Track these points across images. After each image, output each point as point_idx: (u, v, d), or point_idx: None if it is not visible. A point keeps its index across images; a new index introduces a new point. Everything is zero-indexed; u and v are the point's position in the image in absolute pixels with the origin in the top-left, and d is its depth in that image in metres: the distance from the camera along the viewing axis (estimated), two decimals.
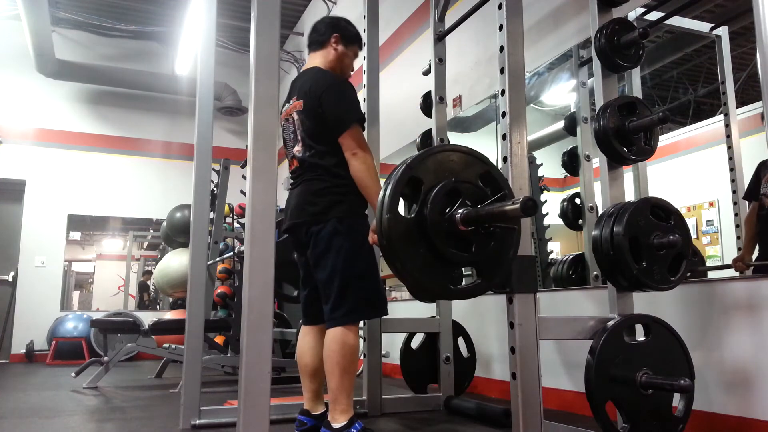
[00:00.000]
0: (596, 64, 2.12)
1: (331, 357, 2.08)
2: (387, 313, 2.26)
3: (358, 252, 2.14)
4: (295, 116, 2.28)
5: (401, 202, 1.62)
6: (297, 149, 2.27)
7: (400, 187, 1.56)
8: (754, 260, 2.75)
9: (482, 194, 1.62)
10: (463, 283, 1.81)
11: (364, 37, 3.08)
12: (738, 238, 2.97)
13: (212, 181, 4.12)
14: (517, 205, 1.40)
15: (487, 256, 1.61)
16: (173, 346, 4.14)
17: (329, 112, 2.16)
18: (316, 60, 2.37)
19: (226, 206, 5.29)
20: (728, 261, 3.18)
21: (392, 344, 3.46)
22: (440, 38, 3.09)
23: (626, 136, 1.99)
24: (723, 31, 3.16)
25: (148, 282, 9.11)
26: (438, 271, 1.58)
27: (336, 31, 2.35)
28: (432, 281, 1.58)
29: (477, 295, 1.66)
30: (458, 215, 1.55)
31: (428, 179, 1.59)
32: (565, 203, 3.21)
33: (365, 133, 3.00)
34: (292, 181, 2.34)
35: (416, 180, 1.58)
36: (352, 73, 2.46)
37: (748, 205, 2.86)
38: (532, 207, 1.39)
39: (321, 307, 2.20)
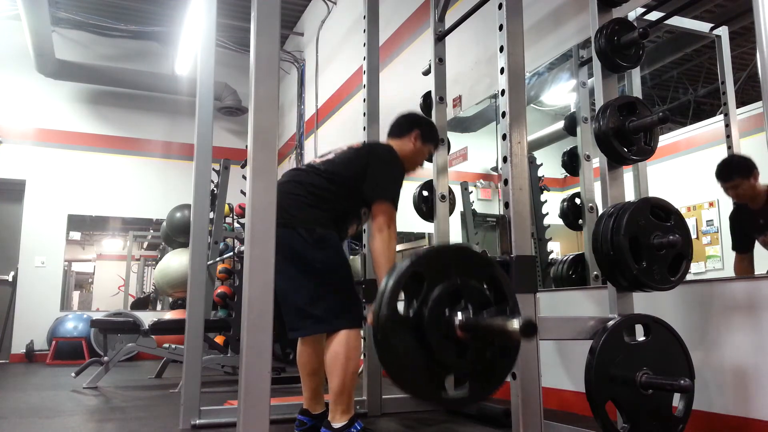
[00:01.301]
0: (596, 64, 2.12)
1: (334, 357, 2.08)
2: (360, 327, 2.23)
3: (329, 264, 2.12)
4: (345, 147, 2.36)
5: (404, 295, 1.55)
6: (316, 160, 2.34)
7: (401, 284, 1.50)
8: None
9: (485, 300, 1.56)
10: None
11: (364, 37, 3.09)
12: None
13: (212, 181, 4.12)
14: (517, 328, 1.35)
15: (482, 366, 1.54)
16: (173, 346, 4.14)
17: (377, 174, 2.21)
18: (392, 143, 2.42)
19: (226, 206, 5.29)
20: (728, 261, 3.18)
21: None
22: (440, 38, 3.09)
23: (626, 136, 1.98)
24: (723, 31, 3.15)
25: None
26: (431, 375, 1.51)
27: (418, 128, 2.42)
28: (424, 386, 1.51)
29: (469, 405, 1.62)
30: (457, 320, 1.49)
31: (431, 277, 1.52)
32: (565, 203, 3.21)
33: (364, 133, 3.03)
34: (285, 180, 2.31)
35: (419, 276, 1.53)
36: (420, 168, 2.55)
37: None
38: (532, 332, 1.34)
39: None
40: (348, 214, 2.28)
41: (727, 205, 3.18)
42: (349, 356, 2.08)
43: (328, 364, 2.10)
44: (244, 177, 1.65)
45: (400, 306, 1.50)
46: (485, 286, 1.60)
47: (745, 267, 2.73)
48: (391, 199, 2.19)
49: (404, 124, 2.45)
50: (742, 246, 2.77)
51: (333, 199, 2.21)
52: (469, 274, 1.57)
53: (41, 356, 6.60)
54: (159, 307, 8.36)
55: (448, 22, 3.08)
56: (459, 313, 1.50)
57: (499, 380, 1.57)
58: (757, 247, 2.72)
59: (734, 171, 2.66)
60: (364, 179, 2.22)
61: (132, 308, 8.36)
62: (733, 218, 2.85)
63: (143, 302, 8.90)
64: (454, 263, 1.57)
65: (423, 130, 2.44)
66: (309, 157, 6.71)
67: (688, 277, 1.94)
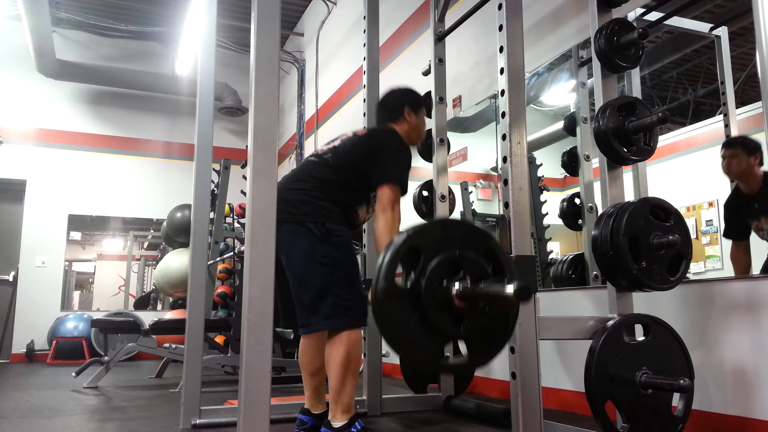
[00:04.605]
0: (596, 65, 2.12)
1: (334, 356, 2.09)
2: (366, 324, 2.23)
3: (337, 259, 2.13)
4: (351, 133, 2.36)
5: (402, 268, 1.56)
6: (325, 148, 2.35)
7: (398, 256, 1.51)
8: None
9: (483, 272, 1.57)
10: None
11: (364, 37, 3.10)
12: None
13: (212, 181, 4.12)
14: (511, 291, 1.38)
15: (478, 334, 1.56)
16: (173, 345, 4.15)
17: (385, 160, 2.22)
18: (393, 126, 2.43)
19: (227, 206, 5.30)
20: (728, 261, 3.18)
21: None
22: (440, 38, 3.09)
23: (626, 137, 1.99)
24: (722, 32, 3.15)
25: None
26: (428, 342, 1.53)
27: (406, 104, 2.44)
28: (422, 353, 1.53)
29: (466, 372, 1.63)
30: (454, 289, 1.51)
31: (428, 250, 1.54)
32: (565, 203, 3.21)
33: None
34: (290, 174, 2.36)
35: (416, 250, 1.54)
36: (424, 135, 2.59)
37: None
38: (527, 295, 1.37)
39: None
40: (357, 200, 2.29)
41: None
42: (350, 355, 2.08)
43: (329, 363, 2.10)
44: (245, 177, 1.66)
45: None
46: (483, 259, 1.60)
47: (742, 255, 2.71)
48: (395, 182, 2.20)
49: (393, 106, 2.46)
50: (738, 233, 2.75)
51: (341, 189, 2.22)
52: (466, 247, 1.58)
53: (42, 356, 6.60)
54: (159, 306, 8.36)
55: (448, 22, 3.08)
56: (456, 283, 1.51)
57: (497, 348, 1.59)
58: (755, 239, 2.70)
59: (739, 143, 2.67)
60: (369, 165, 2.23)
61: (135, 307, 8.38)
62: (728, 205, 2.82)
63: (145, 299, 8.91)
64: (451, 236, 1.59)
65: (411, 102, 2.46)
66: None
67: (688, 276, 1.94)
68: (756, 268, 2.67)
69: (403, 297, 1.51)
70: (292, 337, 4.42)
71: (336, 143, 2.35)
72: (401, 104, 2.45)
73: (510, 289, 1.39)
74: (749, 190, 2.65)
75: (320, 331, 2.12)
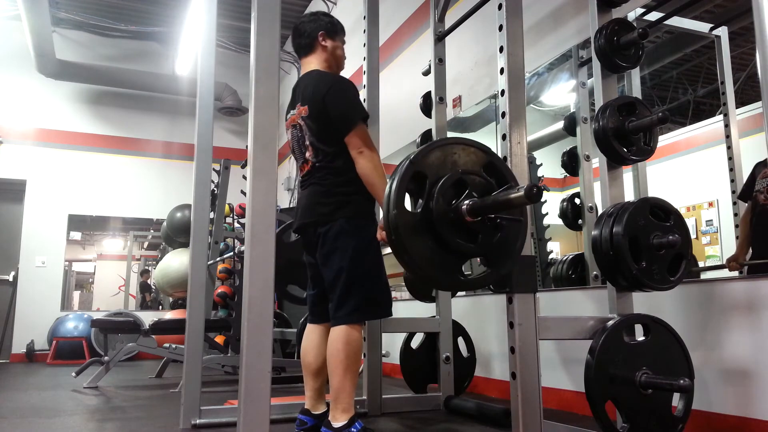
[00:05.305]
0: (596, 65, 2.12)
1: (335, 355, 2.09)
2: (391, 314, 2.26)
3: (365, 252, 2.16)
4: (302, 122, 2.30)
5: (408, 197, 1.62)
6: (308, 154, 2.30)
7: (404, 183, 1.56)
8: (748, 260, 2.74)
9: (488, 186, 1.62)
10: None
11: (364, 37, 3.10)
12: (738, 238, 2.97)
13: (212, 181, 4.12)
14: (522, 193, 1.41)
15: (493, 247, 1.62)
16: (173, 345, 4.15)
17: (334, 112, 2.18)
18: (311, 63, 2.39)
19: (227, 206, 5.29)
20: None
21: (392, 344, 3.46)
22: (440, 38, 3.09)
23: (626, 137, 1.99)
24: (722, 32, 3.16)
25: (149, 281, 9.13)
26: (446, 262, 1.58)
27: (319, 29, 2.37)
28: (441, 272, 1.59)
29: (487, 284, 1.69)
30: (464, 206, 1.56)
31: (432, 173, 1.59)
32: (565, 203, 3.21)
33: None
34: (302, 181, 2.35)
35: (420, 175, 1.58)
36: (345, 61, 2.48)
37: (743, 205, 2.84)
38: (537, 194, 1.40)
39: (327, 306, 2.22)
40: None
41: (726, 205, 3.18)
42: (349, 354, 2.08)
43: (330, 362, 2.11)
44: (245, 177, 1.66)
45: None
46: (485, 174, 1.65)
47: (750, 217, 2.74)
48: (355, 123, 2.15)
49: (305, 32, 2.36)
50: (746, 191, 2.76)
51: (350, 171, 2.18)
52: (468, 165, 1.62)
53: (42, 356, 6.60)
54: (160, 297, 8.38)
55: (448, 22, 3.08)
56: (465, 201, 1.56)
57: (514, 259, 1.64)
58: None
59: None
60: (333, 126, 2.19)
61: (141, 307, 8.41)
62: (756, 166, 2.79)
63: (145, 288, 8.94)
64: (452, 156, 1.62)
65: (325, 27, 2.37)
66: None
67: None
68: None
69: (415, 222, 1.55)
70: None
71: (307, 141, 2.28)
72: (314, 31, 2.36)
73: (521, 191, 1.42)
74: None
75: (349, 323, 2.12)
